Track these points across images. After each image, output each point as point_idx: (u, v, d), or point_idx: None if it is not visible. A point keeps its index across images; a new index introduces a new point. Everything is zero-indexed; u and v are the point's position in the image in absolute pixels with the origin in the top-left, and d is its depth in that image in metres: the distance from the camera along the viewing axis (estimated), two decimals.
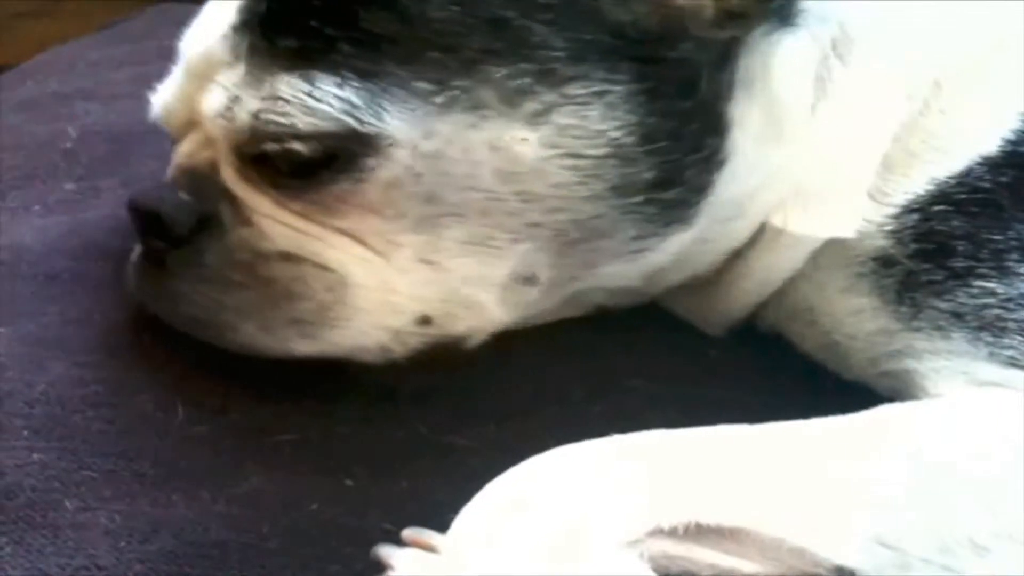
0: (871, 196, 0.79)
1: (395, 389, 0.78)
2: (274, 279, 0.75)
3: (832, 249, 0.80)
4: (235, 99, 0.74)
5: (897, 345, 0.76)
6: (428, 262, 0.76)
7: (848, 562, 0.62)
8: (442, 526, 0.63)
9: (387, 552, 0.63)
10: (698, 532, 0.62)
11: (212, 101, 0.76)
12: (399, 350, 0.77)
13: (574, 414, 0.78)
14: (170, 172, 0.82)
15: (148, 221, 0.78)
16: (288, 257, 0.76)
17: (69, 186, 1.04)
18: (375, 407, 0.77)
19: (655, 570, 0.62)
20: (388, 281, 0.76)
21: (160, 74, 0.84)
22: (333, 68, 0.72)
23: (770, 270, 0.82)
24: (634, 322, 0.86)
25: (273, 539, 0.69)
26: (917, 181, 0.78)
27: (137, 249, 0.82)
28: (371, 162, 0.73)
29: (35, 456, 0.72)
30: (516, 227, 0.75)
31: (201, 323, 0.77)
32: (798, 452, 0.65)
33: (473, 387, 0.79)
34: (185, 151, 0.81)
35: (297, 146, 0.73)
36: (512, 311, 0.79)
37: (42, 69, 1.36)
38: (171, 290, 0.77)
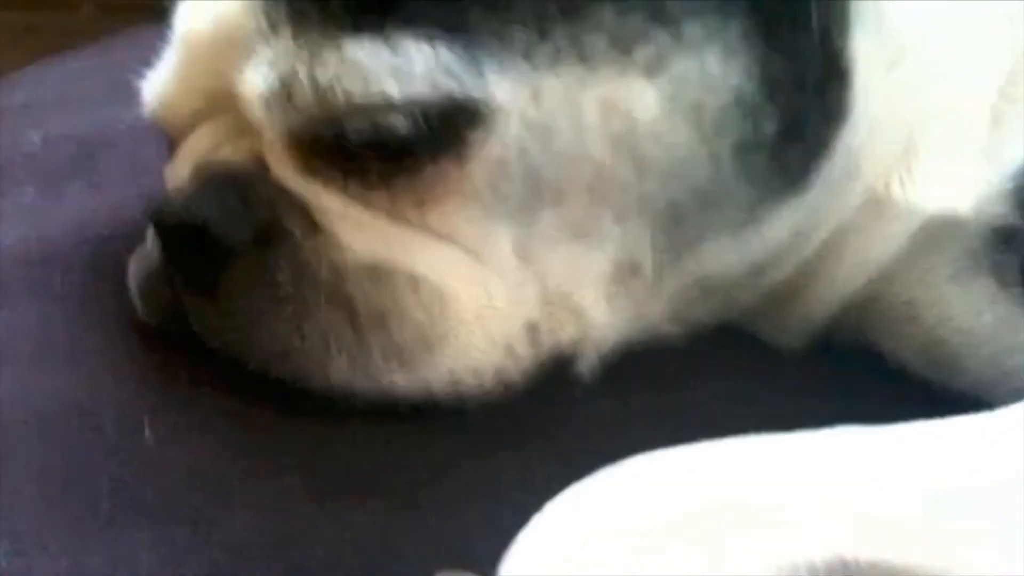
0: (985, 155, 0.72)
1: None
2: (362, 300, 0.67)
3: (937, 225, 0.72)
4: (291, 75, 0.65)
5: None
6: (523, 257, 0.68)
7: None
8: (483, 567, 0.54)
9: None
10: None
11: (256, 79, 0.66)
12: (513, 371, 0.69)
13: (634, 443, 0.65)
14: (182, 173, 0.72)
15: (183, 236, 0.68)
16: (375, 272, 0.67)
17: (29, 191, 0.96)
18: (394, 425, 0.68)
19: None
20: (487, 285, 0.68)
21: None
22: (410, 25, 0.64)
23: (865, 254, 0.74)
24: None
25: None
26: None
27: (143, 263, 0.72)
28: (476, 135, 0.65)
29: None
30: (623, 203, 0.68)
31: (279, 357, 0.67)
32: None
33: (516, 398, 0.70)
34: (204, 145, 0.71)
35: (392, 120, 0.64)
36: (618, 313, 0.71)
37: (13, 84, 1.31)
38: (233, 319, 0.68)
